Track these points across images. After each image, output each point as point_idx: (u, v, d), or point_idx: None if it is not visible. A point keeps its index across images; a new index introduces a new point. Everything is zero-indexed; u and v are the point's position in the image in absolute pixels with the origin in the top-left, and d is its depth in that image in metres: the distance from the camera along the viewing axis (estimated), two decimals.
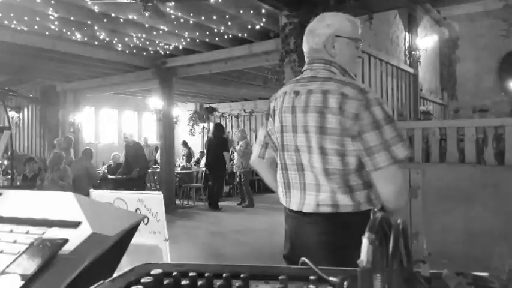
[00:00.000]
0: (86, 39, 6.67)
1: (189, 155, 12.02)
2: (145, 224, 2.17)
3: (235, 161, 9.32)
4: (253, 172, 9.71)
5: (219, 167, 8.62)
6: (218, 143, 8.60)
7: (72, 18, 5.76)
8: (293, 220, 1.61)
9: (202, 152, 11.77)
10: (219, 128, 8.91)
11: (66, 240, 0.77)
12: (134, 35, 6.53)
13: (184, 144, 12.35)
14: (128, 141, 8.22)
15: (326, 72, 1.57)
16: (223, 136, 9.04)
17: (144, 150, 9.19)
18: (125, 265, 0.83)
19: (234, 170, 9.46)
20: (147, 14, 5.27)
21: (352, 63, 1.63)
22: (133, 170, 7.88)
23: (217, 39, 6.81)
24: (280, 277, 0.71)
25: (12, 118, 11.11)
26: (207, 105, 14.15)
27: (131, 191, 2.48)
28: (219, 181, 8.76)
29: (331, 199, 1.49)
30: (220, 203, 8.73)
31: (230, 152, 11.25)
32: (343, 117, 1.43)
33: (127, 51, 7.43)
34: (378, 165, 1.42)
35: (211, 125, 12.20)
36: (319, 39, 1.60)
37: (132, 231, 0.92)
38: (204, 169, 9.58)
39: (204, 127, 14.11)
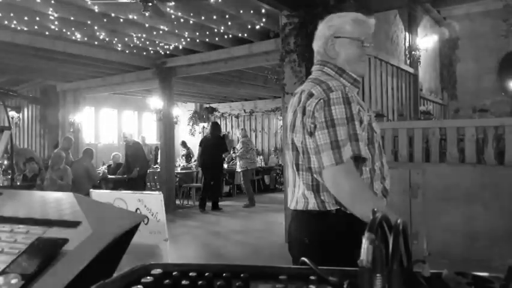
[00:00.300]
0: (86, 39, 6.68)
1: (188, 155, 12.02)
2: (146, 224, 2.17)
3: (237, 161, 9.31)
4: (253, 172, 9.69)
5: (217, 166, 8.56)
6: (217, 143, 8.51)
7: (72, 18, 5.76)
8: (291, 218, 1.71)
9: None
10: (216, 127, 8.81)
11: (66, 240, 0.77)
12: (134, 35, 6.53)
13: (183, 144, 12.36)
14: (127, 140, 8.23)
15: (318, 73, 1.60)
16: (220, 135, 8.98)
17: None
18: (125, 265, 0.83)
19: (237, 170, 9.43)
20: (147, 14, 5.27)
21: (356, 63, 1.60)
22: (133, 170, 7.89)
23: (217, 39, 6.81)
24: (280, 277, 0.71)
25: (12, 118, 11.11)
26: (207, 105, 14.16)
27: (131, 191, 2.48)
28: (217, 181, 8.69)
29: (303, 196, 1.53)
30: (220, 203, 8.72)
31: (231, 152, 11.29)
32: (304, 115, 1.47)
33: (127, 51, 7.44)
34: (322, 164, 1.41)
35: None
36: (320, 41, 1.61)
37: (132, 231, 0.92)
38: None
39: (204, 127, 14.11)
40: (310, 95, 1.47)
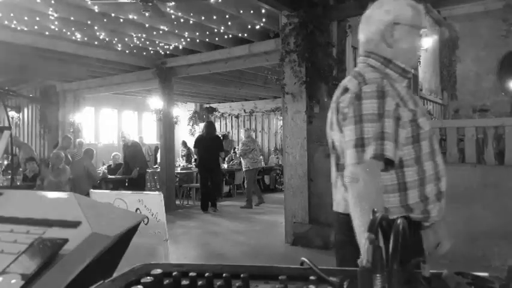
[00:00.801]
0: (86, 39, 6.68)
1: (188, 155, 12.03)
2: (145, 224, 2.17)
3: (243, 161, 9.26)
4: (256, 172, 9.57)
5: (215, 167, 8.44)
6: (214, 143, 8.36)
7: (72, 18, 5.76)
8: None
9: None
10: (212, 126, 8.67)
11: (66, 240, 0.77)
12: (134, 35, 6.53)
13: (184, 144, 12.37)
14: (125, 141, 8.23)
15: (361, 65, 1.47)
16: (217, 135, 8.89)
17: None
18: (125, 265, 0.83)
19: (243, 169, 9.36)
20: (147, 14, 5.27)
21: (413, 53, 1.48)
22: (132, 170, 7.88)
23: (217, 39, 6.81)
24: (280, 277, 0.71)
25: (12, 118, 11.12)
26: (207, 105, 14.16)
27: (131, 191, 2.48)
28: (216, 181, 8.54)
29: (343, 198, 1.43)
30: (220, 203, 8.69)
31: (231, 151, 11.27)
32: (338, 111, 1.38)
33: (127, 51, 7.44)
34: (347, 162, 1.31)
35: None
36: (376, 27, 1.43)
37: (132, 231, 0.92)
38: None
39: None
40: (345, 89, 1.38)
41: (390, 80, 1.38)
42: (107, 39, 6.66)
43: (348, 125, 1.31)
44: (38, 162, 8.00)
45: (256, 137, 13.11)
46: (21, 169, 7.57)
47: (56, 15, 5.58)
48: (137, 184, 7.82)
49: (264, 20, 5.98)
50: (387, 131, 1.28)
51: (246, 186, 9.10)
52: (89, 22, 5.92)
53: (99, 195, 2.37)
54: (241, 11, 5.65)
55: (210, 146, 8.27)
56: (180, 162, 11.40)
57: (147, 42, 6.96)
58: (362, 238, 1.23)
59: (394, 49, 1.43)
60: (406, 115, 1.33)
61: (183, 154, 12.16)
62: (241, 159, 9.12)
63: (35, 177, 7.08)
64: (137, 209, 2.23)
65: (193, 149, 8.89)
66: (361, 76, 1.36)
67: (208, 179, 8.32)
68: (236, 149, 11.67)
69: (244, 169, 8.98)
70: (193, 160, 11.86)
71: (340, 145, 1.39)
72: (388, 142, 1.28)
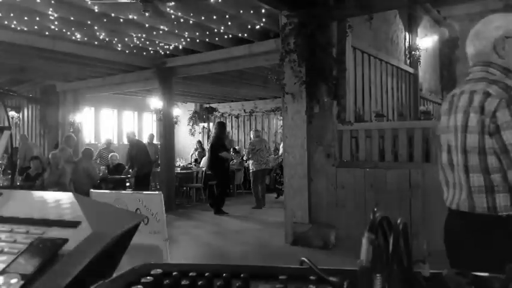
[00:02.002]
0: (86, 39, 6.68)
1: (201, 152, 12.23)
2: (145, 224, 2.18)
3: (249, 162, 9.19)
4: (262, 173, 9.41)
5: (217, 167, 8.22)
6: (215, 143, 8.25)
7: (72, 18, 5.76)
8: (447, 217, 1.68)
9: (200, 152, 12.20)
10: (218, 127, 8.54)
11: (66, 240, 0.77)
12: (134, 35, 6.53)
13: (199, 143, 12.65)
14: (130, 139, 8.24)
15: (482, 73, 1.60)
16: (221, 135, 8.71)
17: (149, 148, 9.18)
18: (125, 265, 0.83)
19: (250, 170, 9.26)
20: (147, 14, 5.27)
21: None
22: (136, 169, 7.89)
23: (217, 39, 6.81)
24: (280, 277, 0.70)
25: (12, 118, 11.12)
26: (207, 105, 14.16)
27: (131, 191, 2.48)
28: (219, 183, 8.27)
29: (469, 199, 1.53)
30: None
31: (231, 151, 11.22)
32: (482, 115, 1.46)
33: (127, 51, 7.44)
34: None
35: (211, 125, 12.25)
36: (488, 41, 1.61)
37: (132, 231, 0.92)
38: (204, 169, 9.55)
39: (204, 127, 14.13)
40: (487, 94, 1.47)
41: None
42: (107, 39, 6.66)
43: (508, 128, 1.42)
44: (42, 161, 7.99)
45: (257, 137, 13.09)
46: (17, 169, 7.55)
47: (56, 15, 5.58)
48: (142, 184, 7.83)
49: (264, 20, 5.98)
50: None
51: (252, 188, 9.01)
52: (89, 22, 5.92)
53: (99, 195, 2.37)
54: (241, 11, 5.65)
55: (211, 147, 8.24)
56: (194, 156, 11.58)
57: (147, 42, 6.97)
58: None
59: (505, 60, 1.59)
60: None
61: (195, 149, 12.34)
62: (249, 160, 9.07)
63: (37, 176, 7.08)
64: (137, 209, 2.23)
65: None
66: (500, 82, 1.50)
67: (213, 180, 8.29)
68: (237, 149, 11.69)
69: (250, 170, 8.93)
70: (192, 160, 11.92)
71: (481, 147, 1.48)
72: None
